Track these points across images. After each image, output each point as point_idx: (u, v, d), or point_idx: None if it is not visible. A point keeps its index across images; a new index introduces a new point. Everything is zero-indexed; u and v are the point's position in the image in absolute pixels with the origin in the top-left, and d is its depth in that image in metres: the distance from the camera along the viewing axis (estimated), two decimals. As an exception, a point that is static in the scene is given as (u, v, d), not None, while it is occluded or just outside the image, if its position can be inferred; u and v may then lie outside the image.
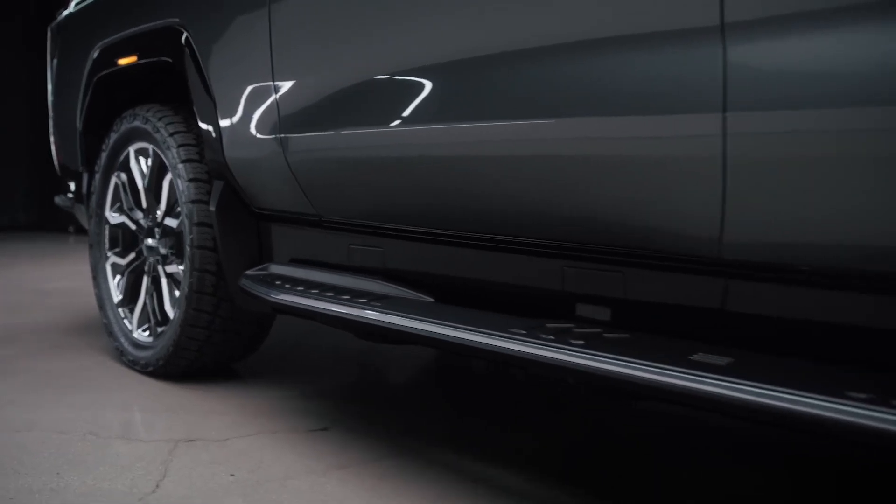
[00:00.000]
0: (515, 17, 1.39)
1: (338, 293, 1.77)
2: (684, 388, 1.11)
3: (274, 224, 2.21)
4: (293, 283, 1.93)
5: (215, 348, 2.41)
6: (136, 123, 2.55)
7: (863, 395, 0.98)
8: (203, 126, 2.24)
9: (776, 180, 1.10)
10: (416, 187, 1.66)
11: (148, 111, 2.51)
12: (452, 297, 1.65)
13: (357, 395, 2.45)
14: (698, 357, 1.17)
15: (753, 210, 1.14)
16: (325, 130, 1.83)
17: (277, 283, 1.96)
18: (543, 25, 1.35)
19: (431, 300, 1.66)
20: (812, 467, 1.86)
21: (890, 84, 0.97)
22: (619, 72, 1.23)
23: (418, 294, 1.69)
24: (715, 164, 1.13)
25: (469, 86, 1.48)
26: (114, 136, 2.67)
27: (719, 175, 1.13)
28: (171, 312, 2.46)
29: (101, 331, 2.90)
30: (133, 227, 2.66)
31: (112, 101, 2.78)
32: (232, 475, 1.71)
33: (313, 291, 1.81)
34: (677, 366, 1.14)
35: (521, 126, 1.39)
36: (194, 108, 2.26)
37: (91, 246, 2.85)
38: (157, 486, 1.65)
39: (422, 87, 1.58)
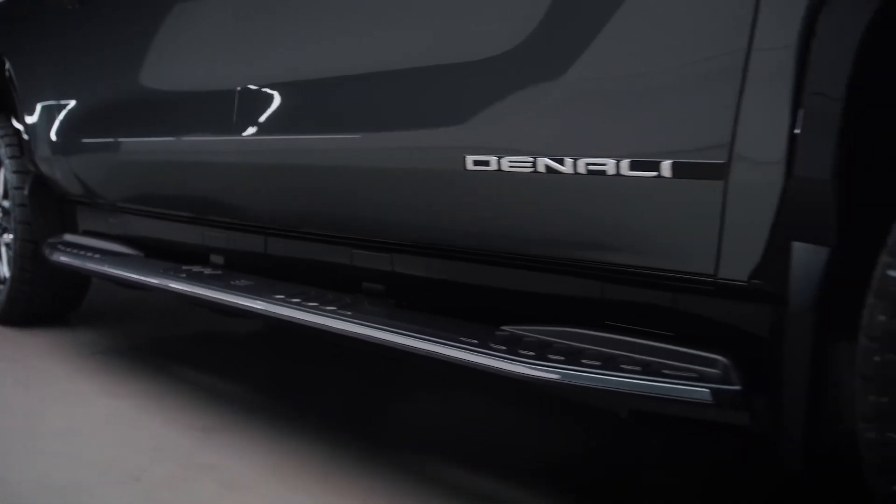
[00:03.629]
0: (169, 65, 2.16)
1: (88, 252, 2.54)
2: (225, 300, 1.88)
3: (72, 205, 2.97)
4: (69, 247, 2.69)
5: (41, 301, 3.16)
6: (-19, 127, 3.28)
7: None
8: (20, 130, 2.98)
9: (272, 176, 1.87)
10: (134, 178, 2.43)
11: (-12, 118, 3.25)
12: (155, 253, 2.43)
13: (145, 333, 3.21)
14: (239, 282, 1.95)
15: (266, 195, 1.91)
16: (87, 138, 2.59)
17: (60, 247, 2.72)
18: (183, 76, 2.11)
19: (142, 255, 2.43)
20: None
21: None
22: (204, 109, 2.00)
23: (137, 251, 2.46)
24: (245, 169, 1.90)
25: (151, 111, 2.26)
26: (-32, 137, 3.41)
27: (247, 175, 1.91)
28: (7, 273, 3.21)
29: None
30: (-15, 208, 3.41)
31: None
32: (18, 380, 2.48)
33: (74, 252, 2.58)
34: (226, 289, 1.91)
35: (166, 141, 2.16)
36: (13, 117, 3.01)
37: (-42, 224, 3.59)
38: (-41, 385, 2.43)
39: (134, 111, 2.35)
